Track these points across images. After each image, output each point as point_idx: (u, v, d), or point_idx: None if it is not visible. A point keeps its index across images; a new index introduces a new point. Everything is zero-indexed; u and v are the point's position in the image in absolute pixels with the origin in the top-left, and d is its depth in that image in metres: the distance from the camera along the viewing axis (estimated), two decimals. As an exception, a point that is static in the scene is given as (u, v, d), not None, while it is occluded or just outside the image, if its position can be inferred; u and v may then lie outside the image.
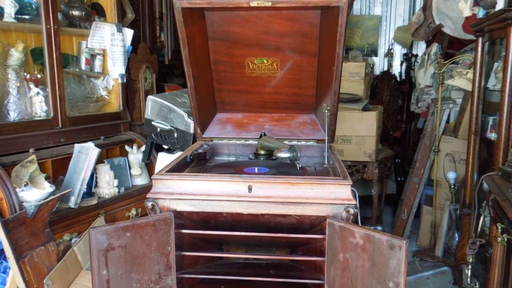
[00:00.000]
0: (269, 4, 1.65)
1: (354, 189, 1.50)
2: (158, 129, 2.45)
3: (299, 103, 2.11)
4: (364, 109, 3.50)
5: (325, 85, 1.93)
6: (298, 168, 1.76)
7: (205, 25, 1.89)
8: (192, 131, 2.30)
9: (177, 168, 1.70)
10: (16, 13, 2.30)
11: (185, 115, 2.34)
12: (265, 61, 1.96)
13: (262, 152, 2.00)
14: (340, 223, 1.40)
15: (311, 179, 1.49)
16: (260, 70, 1.99)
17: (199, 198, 1.49)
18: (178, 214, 1.51)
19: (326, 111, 1.85)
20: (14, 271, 1.83)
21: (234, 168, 1.80)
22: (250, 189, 1.47)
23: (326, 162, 1.91)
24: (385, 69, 5.65)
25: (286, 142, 2.05)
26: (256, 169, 1.79)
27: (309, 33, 1.87)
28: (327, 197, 1.45)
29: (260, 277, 1.56)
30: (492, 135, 2.65)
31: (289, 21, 1.84)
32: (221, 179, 1.50)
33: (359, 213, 1.53)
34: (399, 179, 4.57)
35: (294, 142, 2.08)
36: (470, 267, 2.43)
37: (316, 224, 1.50)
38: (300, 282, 1.57)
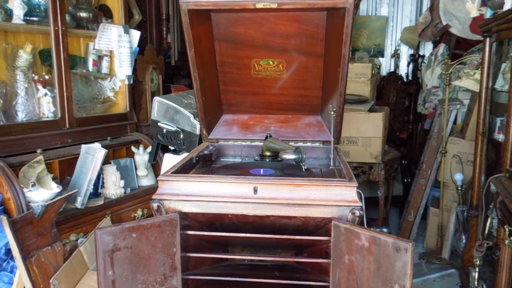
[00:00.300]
0: (274, 5, 1.65)
1: (360, 191, 1.49)
2: (164, 130, 2.46)
3: (305, 105, 2.11)
4: (371, 110, 3.48)
5: (331, 86, 1.93)
6: (303, 169, 1.76)
7: (211, 26, 1.89)
8: (198, 132, 2.31)
9: (183, 169, 1.71)
10: (25, 15, 2.33)
11: (191, 116, 2.35)
12: (271, 63, 1.97)
13: (267, 153, 2.00)
14: (345, 225, 1.40)
15: (316, 181, 1.49)
16: (266, 71, 1.99)
17: (204, 199, 1.49)
18: (184, 215, 1.52)
19: (332, 113, 1.85)
20: (21, 271, 1.85)
21: (239, 170, 1.80)
22: (255, 190, 1.48)
23: (332, 164, 1.90)
24: (392, 70, 5.63)
25: (292, 143, 2.04)
26: (261, 170, 1.79)
27: (315, 34, 1.87)
28: (332, 199, 1.45)
29: (265, 278, 1.56)
30: (500, 137, 2.63)
31: (295, 23, 1.84)
32: (227, 181, 1.50)
33: (365, 215, 1.52)
34: (405, 180, 4.55)
35: (300, 144, 2.07)
36: (477, 269, 2.41)
37: (321, 226, 1.50)
38: (305, 284, 1.57)
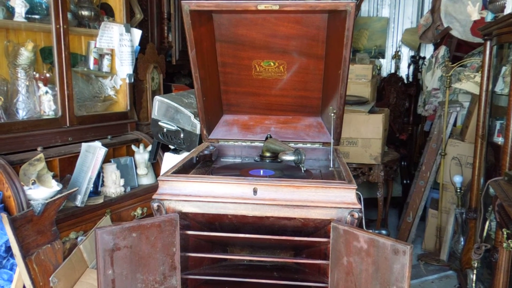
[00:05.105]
0: (276, 7, 1.65)
1: (359, 193, 1.50)
2: (165, 129, 2.46)
3: (305, 106, 2.11)
4: (371, 111, 3.49)
5: (331, 88, 1.93)
6: (302, 171, 1.76)
7: (213, 27, 1.90)
8: (198, 131, 2.31)
9: (183, 169, 1.71)
10: (27, 12, 2.33)
11: (192, 116, 2.36)
12: (272, 64, 1.97)
13: (267, 154, 2.01)
14: (344, 227, 1.40)
15: (316, 182, 1.50)
16: (267, 72, 2.00)
17: (204, 199, 1.50)
18: (184, 216, 1.52)
19: (332, 114, 1.85)
20: (20, 268, 1.86)
21: (239, 170, 1.80)
22: (255, 191, 1.48)
23: (331, 165, 1.91)
24: (393, 71, 5.63)
25: (292, 144, 2.05)
26: (261, 171, 1.80)
27: (316, 36, 1.87)
28: (331, 200, 1.46)
29: (264, 279, 1.57)
30: (499, 140, 2.64)
31: (296, 24, 1.84)
32: (227, 181, 1.51)
33: (364, 217, 1.53)
34: (405, 182, 4.56)
35: (300, 145, 2.08)
36: (475, 272, 2.42)
37: (320, 228, 1.51)
38: (304, 285, 1.58)
